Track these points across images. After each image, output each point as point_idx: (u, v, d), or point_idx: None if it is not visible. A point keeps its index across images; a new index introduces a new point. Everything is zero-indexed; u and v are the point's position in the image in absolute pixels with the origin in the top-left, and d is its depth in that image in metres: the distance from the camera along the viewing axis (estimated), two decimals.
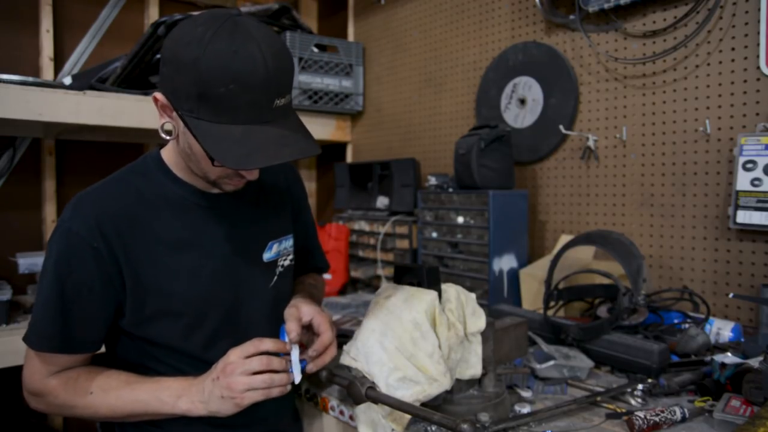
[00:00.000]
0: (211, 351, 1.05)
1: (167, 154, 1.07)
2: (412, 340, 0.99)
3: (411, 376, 0.97)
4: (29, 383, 1.05)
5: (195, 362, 1.05)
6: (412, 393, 0.96)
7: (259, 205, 1.15)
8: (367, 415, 1.01)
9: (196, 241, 1.05)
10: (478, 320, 1.07)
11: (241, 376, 0.94)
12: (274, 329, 1.10)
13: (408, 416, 0.96)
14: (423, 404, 1.00)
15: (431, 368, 0.97)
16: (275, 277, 1.16)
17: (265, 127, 0.89)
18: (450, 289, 1.08)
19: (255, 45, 0.85)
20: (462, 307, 1.07)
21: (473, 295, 1.10)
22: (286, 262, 1.20)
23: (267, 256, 1.14)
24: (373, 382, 0.98)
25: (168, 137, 0.98)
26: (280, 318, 1.08)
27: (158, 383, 1.00)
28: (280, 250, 1.18)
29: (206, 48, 0.84)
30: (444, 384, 0.98)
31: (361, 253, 2.45)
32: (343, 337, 1.12)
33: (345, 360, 1.05)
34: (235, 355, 0.96)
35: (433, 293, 1.04)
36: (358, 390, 0.97)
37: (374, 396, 0.96)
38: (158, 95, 0.93)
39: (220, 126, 0.87)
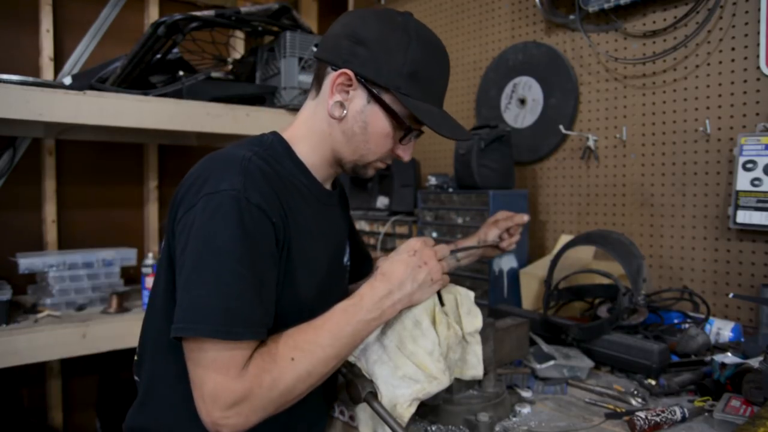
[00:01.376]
0: None
1: (293, 138, 1.05)
2: (412, 338, 0.99)
3: (411, 375, 0.97)
4: (224, 395, 0.81)
5: None
6: (412, 391, 0.96)
7: (342, 212, 1.20)
8: (367, 414, 1.01)
9: (319, 232, 1.04)
10: (474, 320, 1.07)
11: (438, 262, 0.99)
12: None
13: (407, 416, 0.96)
14: (423, 403, 1.00)
15: (431, 366, 0.97)
16: (346, 278, 1.22)
17: (443, 111, 1.04)
18: (445, 290, 1.08)
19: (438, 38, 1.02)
20: (457, 307, 1.07)
21: (471, 294, 1.09)
22: (348, 266, 1.24)
23: (345, 258, 1.19)
24: (374, 384, 0.98)
25: (335, 116, 1.00)
26: None
27: (347, 312, 0.92)
28: (348, 254, 1.22)
29: (417, 33, 0.97)
30: (444, 382, 0.98)
31: None
32: None
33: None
34: (424, 244, 0.99)
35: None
36: (357, 391, 0.97)
37: (372, 404, 0.95)
38: (347, 71, 0.96)
39: (425, 103, 0.99)
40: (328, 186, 1.11)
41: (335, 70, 0.98)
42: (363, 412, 1.02)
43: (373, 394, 0.96)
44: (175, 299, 0.88)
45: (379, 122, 0.99)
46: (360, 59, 0.96)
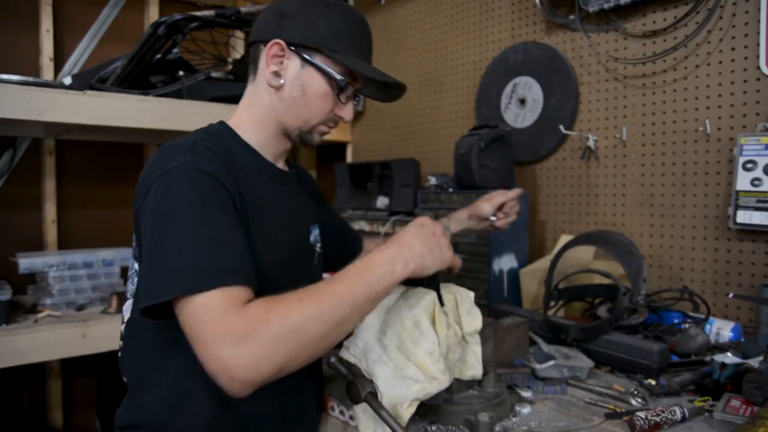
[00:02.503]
0: None
1: (238, 124, 1.09)
2: (412, 339, 0.99)
3: (410, 375, 0.97)
4: (225, 333, 0.76)
5: None
6: (412, 391, 0.96)
7: (301, 193, 1.23)
8: (367, 414, 1.01)
9: (276, 212, 1.07)
10: (474, 320, 1.07)
11: (446, 242, 1.00)
12: None
13: (407, 416, 0.96)
14: (423, 403, 1.00)
15: (431, 366, 0.97)
16: (315, 261, 1.22)
17: (372, 65, 1.09)
18: (444, 290, 1.08)
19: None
20: (457, 308, 1.07)
21: (471, 294, 1.10)
22: (319, 249, 1.25)
23: (311, 238, 1.21)
24: (374, 384, 0.98)
25: (274, 85, 1.05)
26: None
27: (357, 268, 0.89)
28: (316, 236, 1.24)
29: (335, 2, 1.05)
30: (443, 382, 0.98)
31: None
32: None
33: (344, 355, 1.06)
34: (431, 220, 1.01)
35: (433, 292, 1.04)
36: (358, 391, 0.97)
37: (373, 404, 0.96)
38: (279, 41, 1.02)
39: (354, 58, 1.05)
40: (280, 165, 1.15)
41: (264, 46, 1.04)
42: (363, 412, 1.02)
43: (373, 395, 0.96)
44: None
45: (316, 83, 1.04)
46: (287, 29, 1.03)
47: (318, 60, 1.03)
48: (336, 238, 1.39)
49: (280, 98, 1.07)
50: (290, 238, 1.11)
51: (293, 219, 1.14)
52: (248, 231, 0.98)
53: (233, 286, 0.81)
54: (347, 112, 1.10)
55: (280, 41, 1.03)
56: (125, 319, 1.07)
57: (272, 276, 0.99)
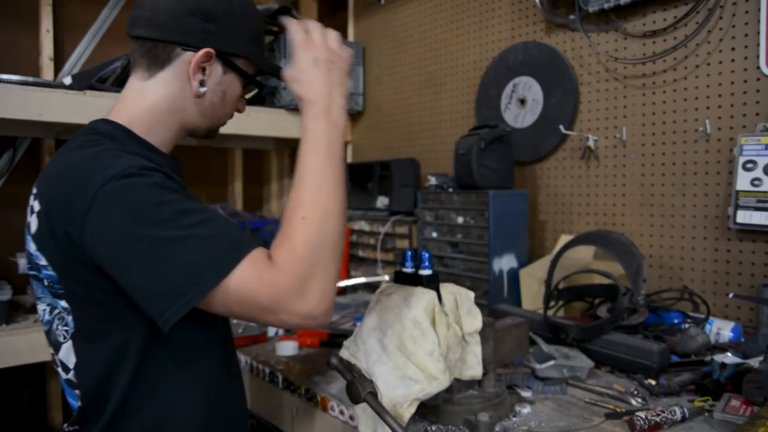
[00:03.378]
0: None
1: (131, 120, 0.98)
2: (412, 339, 0.99)
3: (410, 375, 0.97)
4: (281, 285, 0.79)
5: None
6: (412, 391, 0.96)
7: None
8: (367, 414, 1.01)
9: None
10: (474, 320, 1.07)
11: (342, 50, 0.98)
12: None
13: (407, 416, 0.96)
14: (423, 403, 1.00)
15: (431, 367, 0.97)
16: None
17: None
18: (444, 290, 1.08)
19: None
20: (457, 307, 1.07)
21: (471, 294, 1.10)
22: None
23: None
24: (374, 384, 0.98)
25: (200, 93, 1.00)
26: None
27: (306, 142, 0.91)
28: None
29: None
30: (443, 382, 0.98)
31: (361, 253, 2.45)
32: (342, 337, 1.12)
33: (344, 355, 1.06)
34: (326, 36, 0.98)
35: (433, 292, 1.04)
36: (357, 391, 0.97)
37: (372, 404, 0.96)
38: (209, 50, 0.97)
39: (263, 59, 1.06)
40: (214, 133, 1.15)
41: (186, 50, 0.97)
42: (363, 412, 1.02)
43: (373, 395, 0.96)
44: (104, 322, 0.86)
45: (235, 88, 1.05)
46: (215, 35, 0.98)
47: (241, 64, 1.03)
48: None
49: (200, 105, 1.02)
50: None
51: None
52: None
53: (251, 251, 0.81)
54: (243, 105, 1.11)
55: (211, 51, 0.97)
56: (71, 365, 0.92)
57: None
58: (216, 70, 1.00)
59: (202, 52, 0.96)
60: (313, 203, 0.86)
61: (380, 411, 0.93)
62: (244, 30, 1.01)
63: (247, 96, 1.13)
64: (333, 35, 0.98)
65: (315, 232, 0.83)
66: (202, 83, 0.99)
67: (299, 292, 0.79)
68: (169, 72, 0.98)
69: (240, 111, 1.12)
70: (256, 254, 0.81)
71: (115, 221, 0.79)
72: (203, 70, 0.99)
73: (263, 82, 1.10)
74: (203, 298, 0.78)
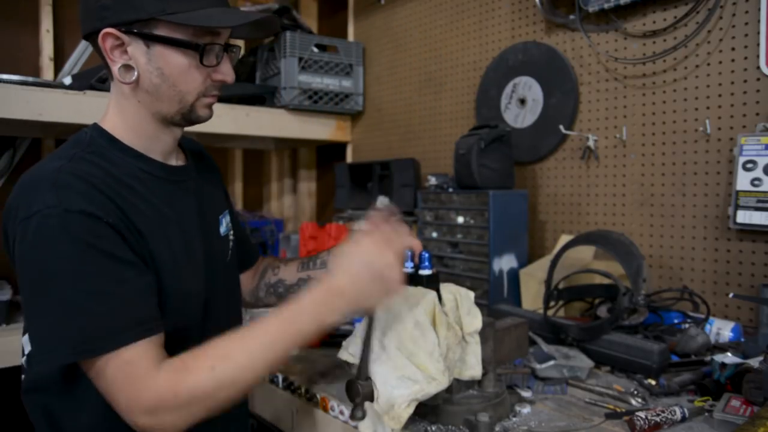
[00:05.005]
0: (207, 324, 0.99)
1: (113, 127, 0.95)
2: (412, 339, 0.99)
3: (410, 375, 0.97)
4: (139, 399, 0.78)
5: (195, 339, 0.92)
6: (410, 392, 0.96)
7: (205, 180, 1.12)
8: (367, 415, 1.01)
9: (177, 217, 0.97)
10: (474, 320, 1.07)
11: (398, 269, 0.89)
12: (231, 305, 1.14)
13: (406, 416, 0.96)
14: (422, 403, 1.00)
15: (430, 367, 0.97)
16: (230, 252, 1.14)
17: (225, 8, 0.94)
18: (444, 290, 1.08)
19: None
20: (457, 308, 1.07)
21: (471, 294, 1.09)
22: (232, 237, 1.16)
23: (222, 230, 1.12)
24: (373, 384, 0.98)
25: (128, 81, 0.91)
26: (234, 293, 1.15)
27: (284, 319, 0.85)
28: (227, 224, 1.15)
29: None
30: (443, 383, 0.98)
31: None
32: (343, 337, 1.12)
33: (343, 355, 1.05)
34: (387, 248, 0.88)
35: (433, 293, 1.04)
36: (357, 391, 0.97)
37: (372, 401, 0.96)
38: (107, 30, 0.87)
39: (197, 12, 0.89)
40: (174, 161, 1.04)
41: (98, 40, 0.89)
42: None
43: (369, 394, 0.96)
44: None
45: (171, 59, 0.90)
46: (111, 10, 0.87)
47: (162, 31, 0.88)
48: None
49: (142, 91, 0.92)
50: (202, 239, 1.02)
51: (198, 216, 1.04)
52: (149, 250, 0.89)
53: (128, 345, 0.79)
54: (226, 71, 0.96)
55: (110, 30, 0.87)
56: (26, 351, 0.98)
57: (189, 284, 0.95)
58: (137, 47, 0.89)
59: (101, 35, 0.88)
60: (234, 367, 0.81)
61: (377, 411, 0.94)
62: None
63: (219, 60, 0.95)
64: (401, 253, 0.90)
65: (210, 388, 0.80)
66: (129, 67, 0.90)
67: (153, 414, 0.78)
68: (110, 67, 0.93)
69: (224, 82, 0.97)
70: (132, 350, 0.79)
71: (22, 256, 0.82)
72: (125, 52, 0.89)
73: (202, 42, 0.91)
74: (52, 366, 0.84)
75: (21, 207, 0.83)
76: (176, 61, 0.90)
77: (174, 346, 0.87)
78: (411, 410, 0.96)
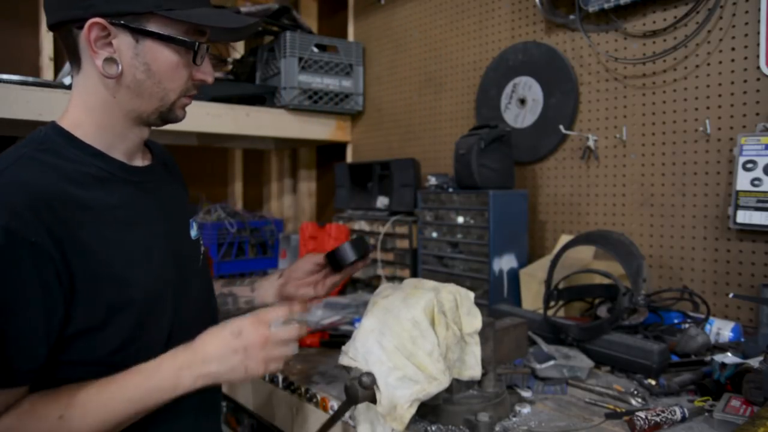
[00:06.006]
0: (172, 341, 0.94)
1: (74, 125, 0.90)
2: (411, 339, 0.99)
3: (410, 375, 0.97)
4: None
5: (160, 346, 0.92)
6: (411, 392, 0.96)
7: (171, 188, 1.08)
8: (366, 415, 1.01)
9: (136, 218, 0.92)
10: (473, 320, 1.07)
11: (277, 347, 0.90)
12: (205, 312, 1.08)
13: (408, 416, 0.96)
14: (422, 403, 1.00)
15: (431, 367, 0.97)
16: (201, 257, 1.10)
17: (218, 8, 0.94)
18: (444, 291, 1.08)
19: None
20: (457, 308, 1.07)
21: (471, 294, 1.09)
22: (203, 246, 1.12)
23: (193, 233, 1.08)
24: (375, 385, 0.97)
25: (112, 75, 0.87)
26: (209, 300, 1.11)
27: (143, 373, 0.84)
28: (197, 231, 1.10)
29: None
30: (443, 382, 0.98)
31: None
32: (343, 337, 1.12)
33: (344, 360, 1.05)
34: (254, 326, 0.89)
35: (431, 293, 1.04)
36: (356, 391, 0.97)
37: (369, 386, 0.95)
38: (96, 20, 0.82)
39: (191, 10, 0.87)
40: (140, 161, 0.99)
41: (81, 28, 0.84)
42: (362, 413, 1.02)
43: (369, 383, 0.96)
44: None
45: (161, 55, 0.87)
46: (99, 2, 0.82)
47: (154, 27, 0.85)
48: None
49: (124, 86, 0.88)
50: (165, 240, 0.97)
51: (164, 218, 0.99)
52: (87, 261, 0.82)
53: None
54: (207, 73, 0.95)
55: (98, 20, 0.82)
56: None
57: (150, 287, 0.90)
58: (124, 40, 0.85)
59: (87, 24, 0.82)
60: (83, 420, 0.79)
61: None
62: None
63: (202, 60, 0.94)
64: (277, 344, 0.90)
65: None
66: (113, 60, 0.85)
67: None
68: (83, 60, 0.88)
69: (205, 82, 0.96)
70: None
71: None
72: (110, 44, 0.85)
73: (197, 41, 0.89)
74: None
75: None
76: (166, 57, 0.88)
77: (138, 352, 0.86)
78: (413, 410, 0.96)
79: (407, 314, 1.00)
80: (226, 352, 0.88)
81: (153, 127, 0.99)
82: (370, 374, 0.96)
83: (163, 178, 1.05)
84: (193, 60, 0.90)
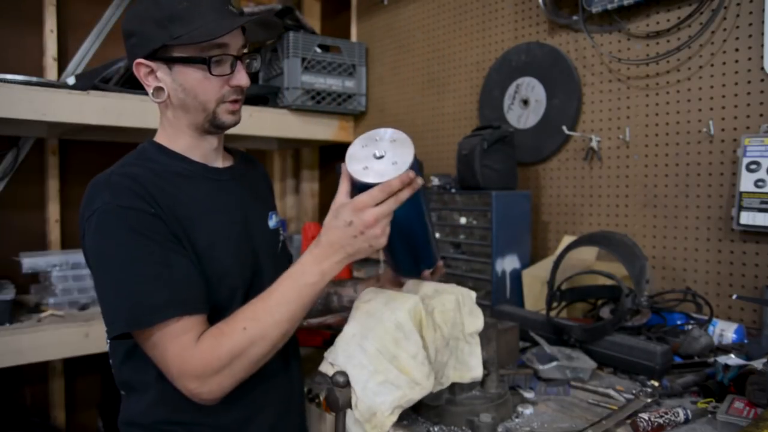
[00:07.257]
0: None
1: (161, 140, 1.12)
2: (395, 341, 0.95)
3: (392, 380, 0.94)
4: (187, 366, 0.91)
5: None
6: (393, 398, 0.93)
7: (251, 185, 1.24)
8: (352, 420, 0.96)
9: (216, 208, 1.09)
10: (475, 320, 1.06)
11: (381, 224, 0.95)
12: None
13: (389, 424, 0.93)
14: (424, 403, 1.00)
15: (414, 371, 0.94)
16: (280, 245, 1.24)
17: (224, 17, 1.05)
18: (446, 291, 1.07)
19: None
20: (459, 308, 1.06)
21: (473, 295, 1.08)
22: (282, 235, 1.27)
23: (271, 224, 1.23)
24: (352, 389, 0.94)
25: (160, 100, 1.08)
26: None
27: (291, 276, 0.97)
28: (277, 222, 1.25)
29: None
30: (426, 387, 0.95)
31: None
32: None
33: (323, 367, 1.01)
34: (354, 211, 0.95)
35: (417, 297, 1.01)
36: (335, 398, 0.94)
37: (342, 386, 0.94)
38: (137, 61, 1.04)
39: (197, 30, 1.01)
40: (220, 163, 1.17)
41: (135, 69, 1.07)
42: (353, 424, 0.98)
43: (343, 387, 0.94)
44: None
45: (189, 75, 1.04)
46: (137, 46, 1.04)
47: (177, 53, 1.03)
48: None
49: (174, 106, 1.08)
50: (242, 228, 1.12)
51: (241, 209, 1.14)
52: (187, 236, 1.01)
53: (172, 318, 0.92)
54: (240, 77, 1.08)
55: (140, 60, 1.04)
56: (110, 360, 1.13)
57: (227, 267, 1.06)
58: (162, 71, 1.05)
59: (134, 65, 1.05)
60: (262, 325, 0.94)
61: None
62: (150, 23, 1.02)
63: (232, 68, 1.07)
64: (382, 218, 0.96)
65: (245, 345, 0.93)
66: (161, 89, 1.06)
67: (201, 379, 0.91)
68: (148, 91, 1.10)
69: (239, 87, 1.09)
70: (178, 323, 0.92)
71: (89, 247, 0.98)
72: (155, 77, 1.06)
73: (209, 55, 1.04)
74: (112, 336, 0.94)
75: (86, 207, 0.99)
76: (192, 75, 1.04)
77: (211, 320, 0.99)
78: (395, 418, 0.93)
79: (391, 316, 0.96)
80: (349, 239, 0.96)
81: (221, 133, 1.15)
82: (343, 373, 0.95)
83: (243, 177, 1.21)
84: (210, 72, 1.04)
